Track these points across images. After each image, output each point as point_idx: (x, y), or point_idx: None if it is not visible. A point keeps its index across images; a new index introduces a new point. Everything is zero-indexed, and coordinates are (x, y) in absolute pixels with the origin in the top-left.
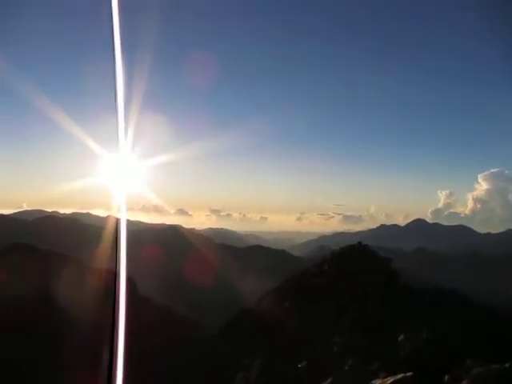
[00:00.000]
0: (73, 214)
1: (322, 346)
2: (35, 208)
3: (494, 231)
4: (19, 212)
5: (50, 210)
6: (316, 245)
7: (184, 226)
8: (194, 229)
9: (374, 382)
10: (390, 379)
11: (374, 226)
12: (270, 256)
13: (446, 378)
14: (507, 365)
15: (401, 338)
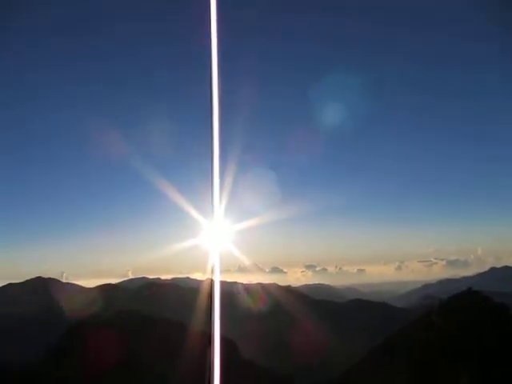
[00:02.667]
0: (173, 279)
1: None
2: (139, 276)
3: None
4: (125, 280)
5: (152, 277)
6: (420, 294)
7: (280, 283)
8: (289, 286)
9: None
10: None
11: (482, 269)
12: (371, 309)
13: None
14: None
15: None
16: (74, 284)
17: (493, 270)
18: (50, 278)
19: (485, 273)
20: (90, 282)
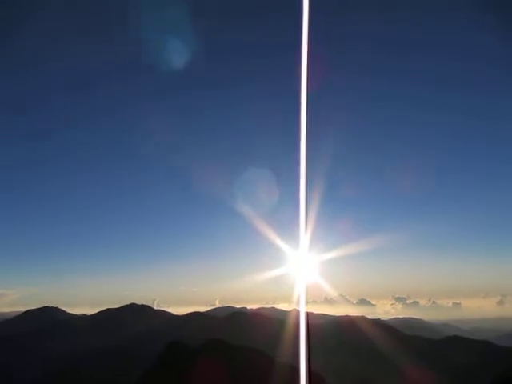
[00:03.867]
0: (258, 309)
1: None
2: (226, 305)
3: None
4: (212, 309)
5: (238, 307)
6: None
7: (368, 316)
8: (379, 319)
9: None
10: None
11: None
12: (472, 348)
13: None
14: None
15: None
16: (164, 311)
17: None
18: (142, 305)
19: None
20: (180, 310)
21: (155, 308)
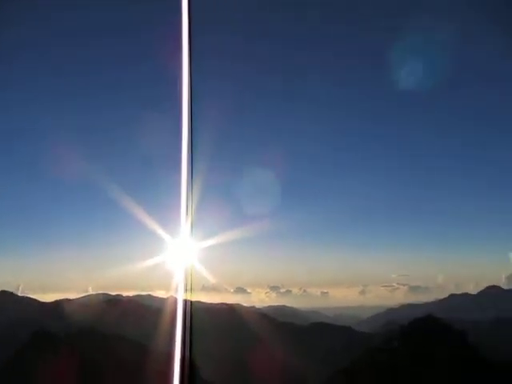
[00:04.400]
0: (134, 296)
1: None
2: (100, 292)
3: None
4: (84, 296)
5: (113, 293)
6: (383, 319)
7: (244, 304)
8: (253, 307)
9: None
10: None
11: (443, 296)
12: (334, 333)
13: None
14: None
15: None
16: (30, 298)
17: (452, 296)
18: (4, 291)
19: (445, 299)
20: (48, 297)
21: (20, 294)
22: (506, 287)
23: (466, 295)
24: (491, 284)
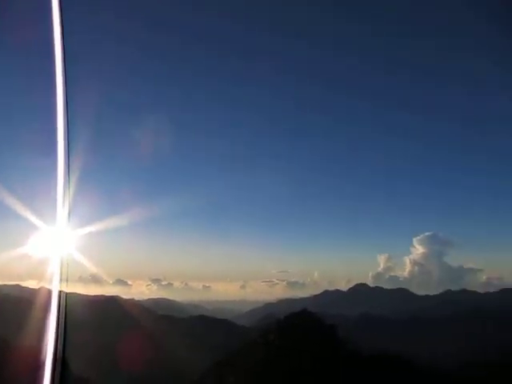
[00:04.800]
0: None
1: None
2: None
3: (431, 293)
4: None
5: None
6: (261, 313)
7: (123, 296)
8: (133, 299)
9: None
10: None
11: (317, 291)
12: (213, 326)
13: None
14: None
15: None
16: None
17: (326, 292)
18: None
19: (319, 294)
20: None
21: None
22: (372, 285)
23: (338, 292)
24: (360, 282)
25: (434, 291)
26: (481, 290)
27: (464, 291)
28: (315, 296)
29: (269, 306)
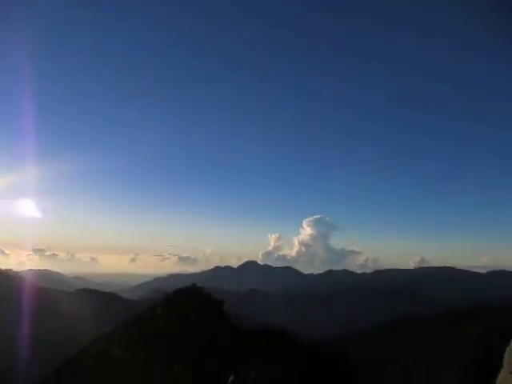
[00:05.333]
0: None
1: None
2: None
3: (316, 272)
4: None
5: None
6: (151, 287)
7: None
8: (11, 270)
9: None
10: None
11: (209, 267)
12: (99, 300)
13: None
14: None
15: (230, 379)
16: None
17: (217, 268)
18: None
19: (210, 270)
20: None
21: None
22: (261, 263)
23: (228, 268)
24: (250, 259)
25: (318, 270)
26: (358, 271)
27: (344, 271)
28: (206, 271)
29: (159, 280)
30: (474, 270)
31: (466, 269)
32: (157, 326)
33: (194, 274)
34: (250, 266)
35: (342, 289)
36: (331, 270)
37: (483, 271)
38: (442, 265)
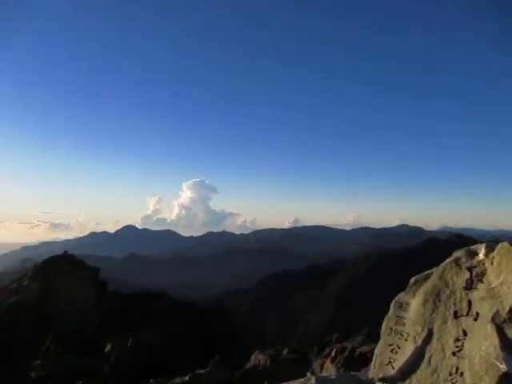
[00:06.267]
0: None
1: (22, 372)
2: None
3: (196, 234)
4: None
5: None
6: (18, 257)
7: None
8: None
9: None
10: None
11: (84, 233)
12: None
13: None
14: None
15: (108, 348)
16: None
17: (93, 234)
18: None
19: (85, 236)
20: None
21: None
22: (140, 227)
23: (105, 233)
24: (128, 224)
25: (198, 233)
26: (237, 232)
27: (224, 233)
28: (81, 238)
29: (28, 249)
30: (340, 227)
31: (334, 226)
32: (26, 299)
33: (68, 241)
34: (128, 230)
35: (222, 250)
36: (211, 231)
37: (348, 228)
38: (314, 224)
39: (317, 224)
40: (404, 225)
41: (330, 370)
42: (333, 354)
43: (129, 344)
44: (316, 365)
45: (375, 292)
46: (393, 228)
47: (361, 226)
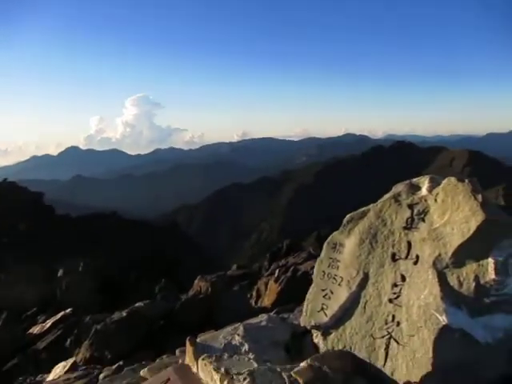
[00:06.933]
0: None
1: None
2: None
3: (143, 152)
4: None
5: None
6: None
7: None
8: None
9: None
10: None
11: (24, 158)
12: None
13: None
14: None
15: (59, 274)
16: None
17: (34, 158)
18: None
19: (26, 161)
20: None
21: None
22: (84, 148)
23: (47, 156)
24: (72, 145)
25: (145, 150)
26: (185, 147)
27: (171, 149)
28: (21, 163)
29: None
30: (289, 138)
31: (281, 138)
32: None
33: (6, 167)
34: (71, 152)
35: (170, 166)
36: (158, 148)
37: (296, 139)
38: (262, 136)
39: (265, 136)
40: (350, 133)
41: (273, 291)
42: (276, 273)
43: (80, 269)
44: (261, 284)
45: (322, 198)
46: (339, 137)
47: (308, 136)
